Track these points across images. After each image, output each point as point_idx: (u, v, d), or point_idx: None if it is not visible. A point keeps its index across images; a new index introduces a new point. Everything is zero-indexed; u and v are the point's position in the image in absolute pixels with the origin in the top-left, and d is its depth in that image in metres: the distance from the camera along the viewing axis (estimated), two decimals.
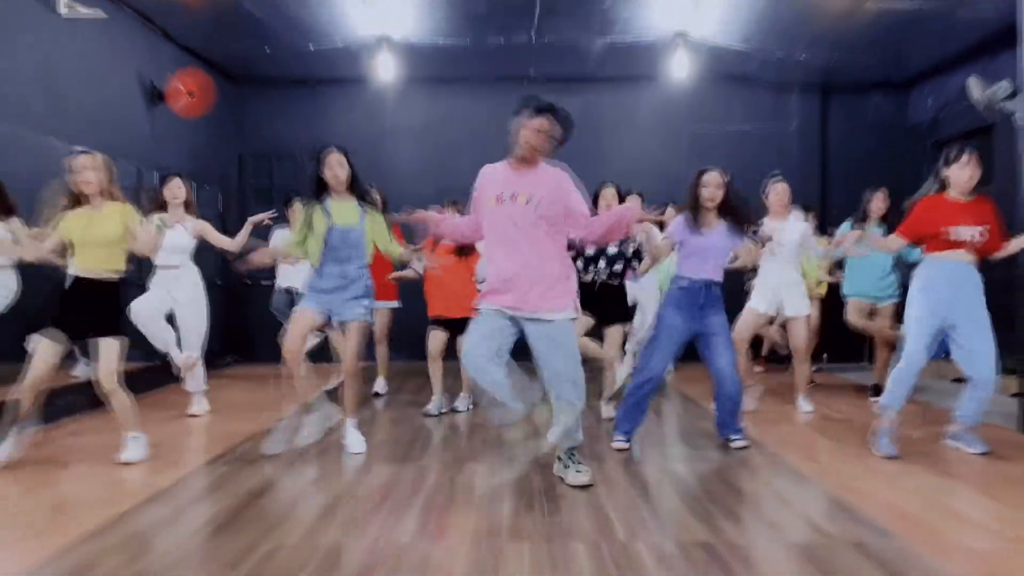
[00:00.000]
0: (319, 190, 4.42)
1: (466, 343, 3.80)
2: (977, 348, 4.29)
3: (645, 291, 6.50)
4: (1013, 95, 6.55)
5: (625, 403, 4.55)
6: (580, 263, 5.21)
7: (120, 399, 4.19)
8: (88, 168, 4.13)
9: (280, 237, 7.27)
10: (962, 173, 4.30)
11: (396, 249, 4.59)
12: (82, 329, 4.14)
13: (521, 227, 3.66)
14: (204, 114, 7.43)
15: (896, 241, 4.52)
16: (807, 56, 7.77)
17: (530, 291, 3.65)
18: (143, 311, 5.39)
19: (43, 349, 4.06)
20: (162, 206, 5.46)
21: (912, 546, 2.90)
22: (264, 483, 3.83)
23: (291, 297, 7.21)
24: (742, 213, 4.49)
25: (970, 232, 4.27)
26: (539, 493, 3.61)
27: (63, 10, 5.65)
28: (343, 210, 4.38)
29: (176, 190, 5.48)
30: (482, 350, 3.67)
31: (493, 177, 3.78)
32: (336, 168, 4.36)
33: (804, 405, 5.69)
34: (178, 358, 5.52)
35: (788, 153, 8.97)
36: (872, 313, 6.17)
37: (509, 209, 3.67)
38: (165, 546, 2.95)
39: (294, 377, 4.38)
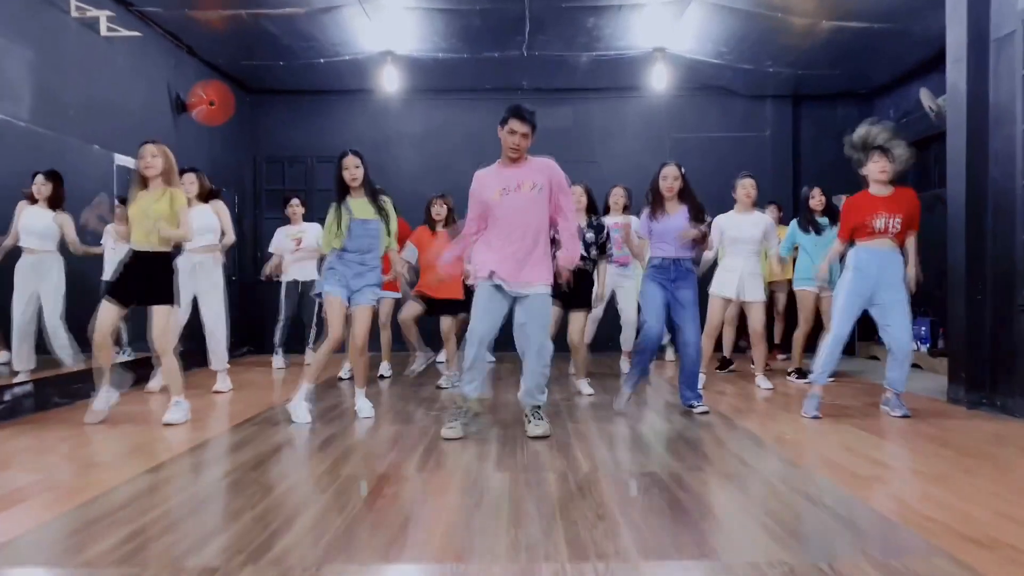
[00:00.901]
0: (341, 190, 5.09)
1: (473, 317, 4.44)
2: (895, 323, 4.97)
3: (630, 280, 7.17)
4: None
5: (633, 362, 5.36)
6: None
7: (170, 363, 4.92)
8: (152, 155, 4.85)
9: (282, 235, 7.98)
10: (874, 167, 5.05)
11: (394, 247, 5.27)
12: (137, 297, 4.87)
13: (527, 211, 4.39)
14: (224, 122, 8.13)
15: (839, 245, 5.27)
16: (775, 68, 8.46)
17: (525, 266, 4.38)
18: None
19: (104, 310, 4.81)
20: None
21: (821, 476, 3.59)
22: (288, 439, 4.53)
23: (299, 288, 7.90)
24: (696, 200, 5.23)
25: (886, 221, 4.98)
26: (521, 441, 4.31)
27: (104, 31, 6.34)
28: (361, 205, 5.08)
29: (189, 184, 6.17)
30: (486, 325, 4.39)
31: (490, 177, 4.46)
32: (352, 169, 5.05)
33: (763, 383, 6.38)
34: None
35: (762, 157, 9.67)
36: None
37: (514, 198, 4.38)
38: (201, 484, 3.65)
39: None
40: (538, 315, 4.43)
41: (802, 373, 6.76)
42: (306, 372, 5.12)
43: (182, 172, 6.23)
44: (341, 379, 7.00)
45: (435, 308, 6.46)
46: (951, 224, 5.70)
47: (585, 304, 6.03)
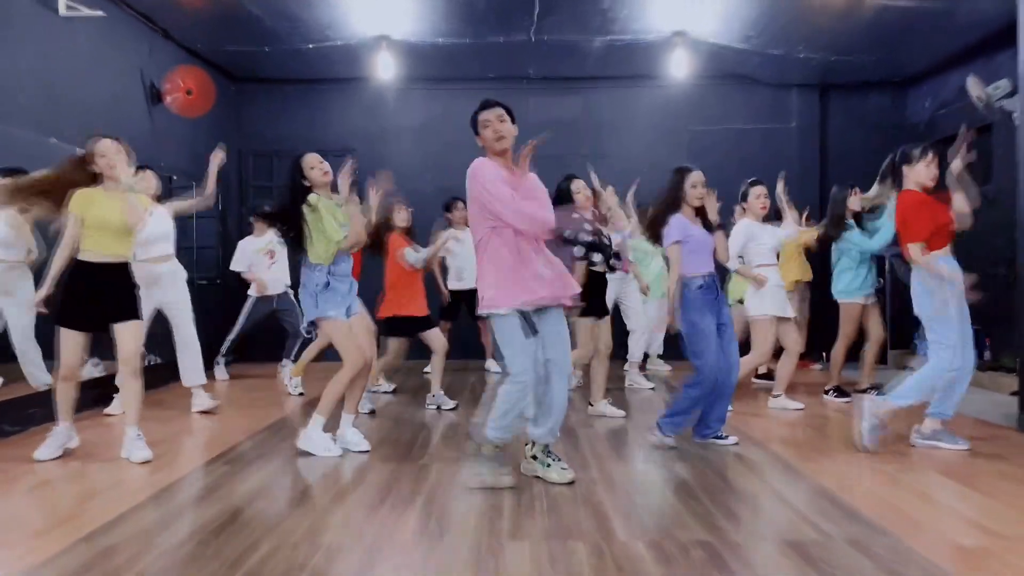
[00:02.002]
0: (308, 191, 4.40)
1: (520, 356, 3.62)
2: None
3: (630, 289, 6.53)
4: (1012, 94, 6.57)
5: (684, 405, 4.50)
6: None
7: (138, 387, 4.29)
8: (117, 152, 4.19)
9: (251, 249, 7.28)
10: (929, 171, 4.36)
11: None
12: (102, 317, 4.22)
13: None
14: (204, 113, 7.43)
15: (920, 253, 4.39)
16: (806, 54, 7.77)
17: (556, 280, 3.69)
18: None
19: (67, 340, 4.17)
20: None
21: (913, 547, 2.91)
22: (260, 486, 3.84)
23: (274, 302, 7.26)
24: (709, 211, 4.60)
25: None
26: (538, 491, 3.63)
27: (62, 10, 5.64)
28: (336, 209, 4.41)
29: (146, 183, 5.60)
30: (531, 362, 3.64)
31: (499, 173, 3.67)
32: (325, 165, 4.43)
33: (792, 404, 5.71)
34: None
35: (787, 152, 8.98)
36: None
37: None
38: (166, 545, 2.96)
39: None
40: (564, 333, 3.78)
41: (842, 391, 6.10)
42: (350, 402, 4.50)
43: (137, 169, 5.59)
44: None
45: (407, 329, 5.83)
46: (1021, 226, 5.02)
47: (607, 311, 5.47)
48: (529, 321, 3.58)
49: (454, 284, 7.56)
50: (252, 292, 7.30)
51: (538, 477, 3.82)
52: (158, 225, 5.49)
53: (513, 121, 3.72)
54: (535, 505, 3.42)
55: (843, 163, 8.86)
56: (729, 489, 3.71)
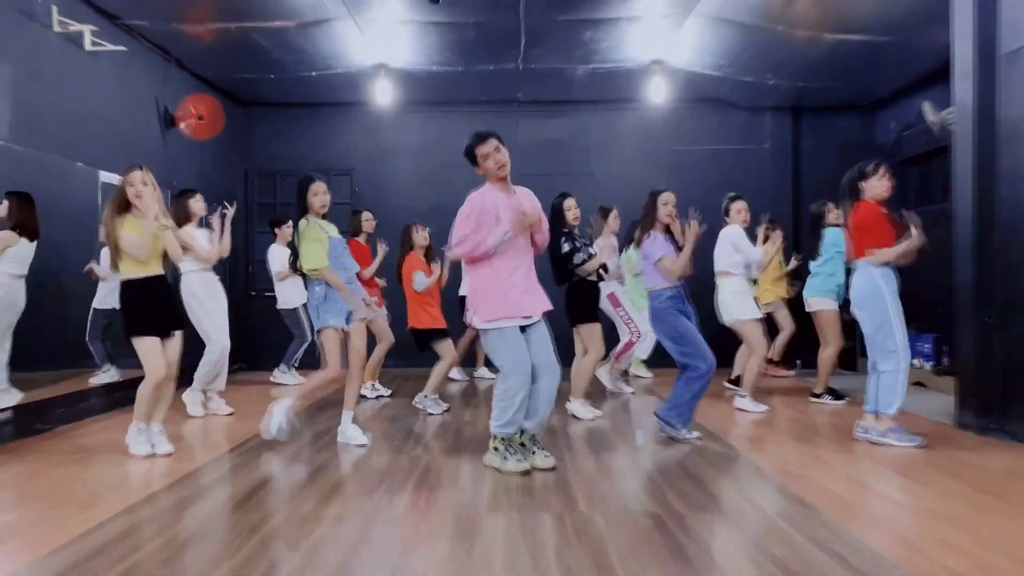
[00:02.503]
0: (306, 212, 4.95)
1: (516, 361, 4.18)
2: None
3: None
4: None
5: (687, 396, 4.99)
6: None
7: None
8: (143, 182, 4.64)
9: (279, 252, 7.85)
10: (883, 184, 4.88)
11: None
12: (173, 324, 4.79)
13: (526, 241, 4.30)
14: (213, 137, 7.96)
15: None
16: (775, 81, 8.31)
17: (536, 292, 4.26)
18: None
19: (158, 352, 4.66)
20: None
21: (829, 517, 3.42)
22: (273, 471, 4.35)
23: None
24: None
25: None
26: (518, 476, 4.13)
27: (88, 45, 6.18)
28: (327, 224, 4.98)
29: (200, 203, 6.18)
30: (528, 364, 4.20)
31: (493, 200, 4.22)
32: (325, 192, 4.96)
33: (756, 407, 6.22)
34: None
35: (762, 170, 9.52)
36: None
37: None
38: (179, 527, 3.47)
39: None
40: (546, 336, 4.32)
41: (837, 394, 6.60)
42: (300, 394, 4.98)
43: (189, 192, 6.21)
44: (364, 397, 6.88)
45: (423, 341, 6.35)
46: (958, 243, 5.54)
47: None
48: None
49: (465, 291, 8.11)
50: (293, 302, 7.89)
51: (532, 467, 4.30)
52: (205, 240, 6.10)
53: (503, 145, 4.26)
54: (512, 487, 3.93)
55: (815, 182, 9.38)
56: (685, 475, 4.21)
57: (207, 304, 6.06)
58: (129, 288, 4.62)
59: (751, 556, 2.92)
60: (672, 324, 4.98)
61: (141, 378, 4.65)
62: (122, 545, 3.07)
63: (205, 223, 6.39)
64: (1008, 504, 3.59)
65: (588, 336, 5.86)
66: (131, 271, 4.61)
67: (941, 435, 5.22)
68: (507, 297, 4.16)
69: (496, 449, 4.29)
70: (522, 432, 4.37)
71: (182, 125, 7.68)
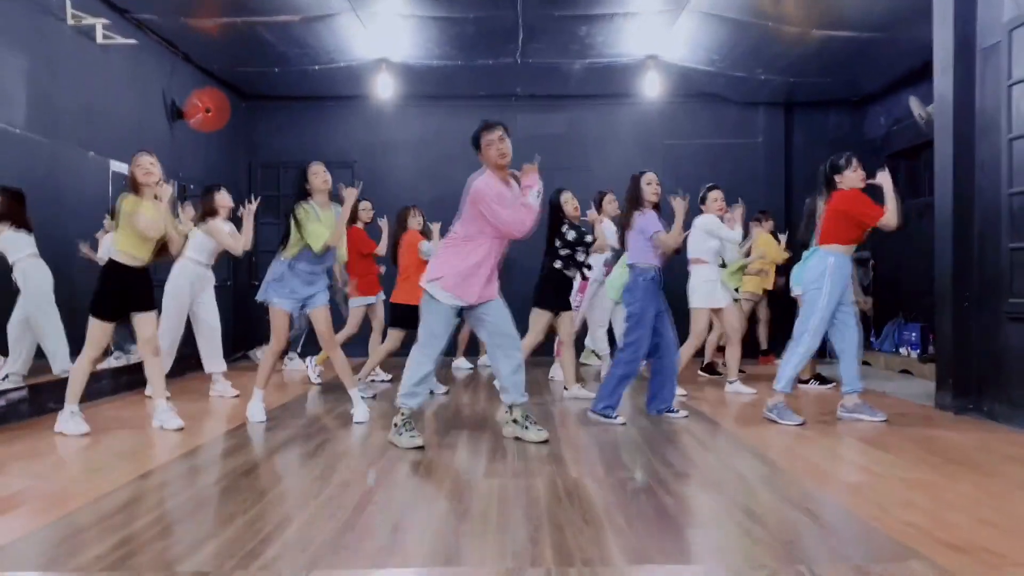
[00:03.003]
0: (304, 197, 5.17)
1: (432, 338, 4.44)
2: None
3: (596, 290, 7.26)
4: None
5: (614, 384, 5.17)
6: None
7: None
8: (151, 163, 4.86)
9: None
10: (857, 175, 5.11)
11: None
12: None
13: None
14: (219, 129, 8.17)
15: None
16: (767, 76, 8.52)
17: (492, 285, 4.50)
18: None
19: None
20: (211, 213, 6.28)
21: (806, 481, 3.64)
22: (280, 444, 4.57)
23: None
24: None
25: None
26: (512, 449, 4.35)
27: (100, 39, 6.39)
28: (327, 217, 5.15)
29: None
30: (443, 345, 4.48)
31: (500, 188, 4.42)
32: (324, 175, 5.17)
33: (744, 389, 6.47)
34: None
35: (755, 165, 9.74)
36: None
37: None
38: (192, 490, 3.69)
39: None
40: (506, 312, 4.54)
41: (823, 379, 6.82)
42: (259, 380, 5.26)
43: (216, 187, 6.40)
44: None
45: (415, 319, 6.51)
46: (938, 232, 5.75)
47: (569, 306, 6.21)
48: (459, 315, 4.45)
49: None
50: None
51: (518, 438, 4.53)
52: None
53: (509, 136, 4.46)
54: (507, 456, 4.15)
55: (806, 175, 9.57)
56: (671, 446, 4.43)
57: (183, 301, 6.21)
58: (113, 270, 4.85)
59: (730, 513, 3.14)
60: (642, 303, 5.15)
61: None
62: (139, 505, 3.29)
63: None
64: (975, 473, 3.81)
65: (535, 320, 6.10)
66: (126, 252, 4.84)
67: (920, 415, 5.45)
68: (466, 281, 4.36)
69: (395, 425, 4.45)
70: (511, 408, 4.58)
71: (191, 120, 7.88)
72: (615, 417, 5.11)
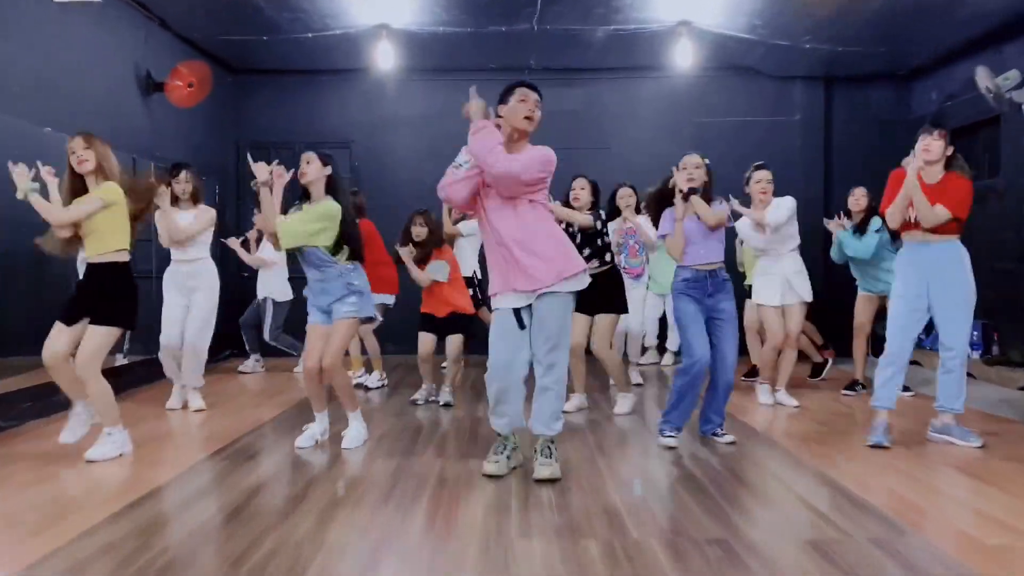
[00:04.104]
0: (304, 192, 4.33)
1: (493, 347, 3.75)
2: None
3: (638, 289, 6.40)
4: (1022, 85, 6.49)
5: (673, 398, 4.38)
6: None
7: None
8: (83, 147, 4.04)
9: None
10: (919, 146, 4.30)
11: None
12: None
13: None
14: (198, 103, 7.30)
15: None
16: (812, 45, 7.67)
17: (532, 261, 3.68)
18: None
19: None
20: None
21: (937, 547, 2.83)
22: (264, 479, 3.75)
23: (259, 310, 7.37)
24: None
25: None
26: (548, 489, 3.53)
27: None
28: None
29: (185, 184, 5.49)
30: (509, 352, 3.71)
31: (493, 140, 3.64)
32: (303, 165, 4.26)
33: (787, 400, 5.61)
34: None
35: (791, 145, 8.89)
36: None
37: None
38: (167, 542, 2.87)
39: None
40: (553, 319, 3.65)
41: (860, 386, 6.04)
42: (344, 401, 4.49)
43: (177, 168, 5.52)
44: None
45: (437, 327, 5.71)
46: None
47: (615, 308, 5.25)
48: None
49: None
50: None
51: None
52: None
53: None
54: (544, 502, 3.33)
55: (847, 157, 8.77)
56: (741, 486, 3.62)
57: (170, 299, 5.50)
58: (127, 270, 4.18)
59: None
60: (675, 306, 4.42)
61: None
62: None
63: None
64: None
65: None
66: (125, 249, 4.15)
67: (1015, 433, 4.65)
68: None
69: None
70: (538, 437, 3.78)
71: (174, 95, 7.02)
72: (672, 436, 4.36)
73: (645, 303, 6.66)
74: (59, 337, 4.01)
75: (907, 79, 8.85)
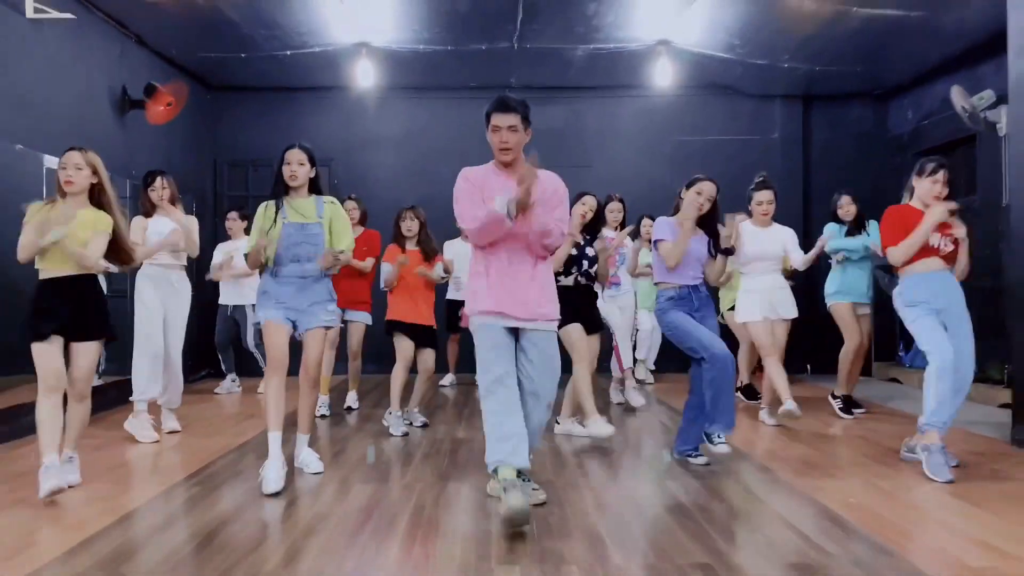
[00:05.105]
0: (280, 189, 4.19)
1: (481, 366, 3.52)
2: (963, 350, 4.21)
3: (621, 306, 6.36)
4: (996, 104, 6.55)
5: (711, 392, 4.23)
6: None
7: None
8: (76, 165, 3.89)
9: (220, 252, 7.18)
10: (932, 188, 4.26)
11: (349, 247, 4.32)
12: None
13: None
14: (171, 119, 7.20)
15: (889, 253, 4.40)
16: (790, 64, 7.72)
17: (530, 293, 3.54)
18: None
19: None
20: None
21: (928, 570, 2.78)
22: (230, 509, 3.65)
23: (235, 321, 7.25)
24: (716, 226, 4.41)
25: (938, 240, 4.24)
26: (530, 515, 3.46)
27: (30, 12, 5.44)
28: (301, 207, 4.17)
29: (162, 190, 5.33)
30: (502, 367, 3.48)
31: (487, 179, 3.55)
32: (295, 165, 4.16)
33: (776, 415, 5.54)
34: None
35: (771, 162, 8.89)
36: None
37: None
38: (134, 574, 2.76)
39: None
40: (547, 359, 3.55)
41: (850, 403, 6.00)
42: (301, 419, 4.25)
43: (152, 175, 5.38)
44: (350, 409, 6.16)
45: (411, 334, 5.55)
46: (1014, 237, 4.97)
47: (596, 327, 5.21)
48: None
49: (453, 294, 7.44)
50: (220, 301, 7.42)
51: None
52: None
53: (528, 122, 3.55)
54: (524, 528, 3.25)
55: (825, 174, 8.82)
56: (725, 508, 3.57)
57: (148, 307, 5.32)
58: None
59: None
60: (666, 321, 4.35)
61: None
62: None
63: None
64: None
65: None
66: None
67: (998, 454, 4.63)
68: (486, 288, 3.55)
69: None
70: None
71: (150, 113, 6.93)
72: (719, 442, 4.28)
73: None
74: (53, 356, 3.77)
75: (884, 98, 8.94)
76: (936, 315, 4.24)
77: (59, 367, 3.76)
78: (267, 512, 3.55)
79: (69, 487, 3.76)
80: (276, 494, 3.77)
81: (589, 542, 3.07)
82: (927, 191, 4.30)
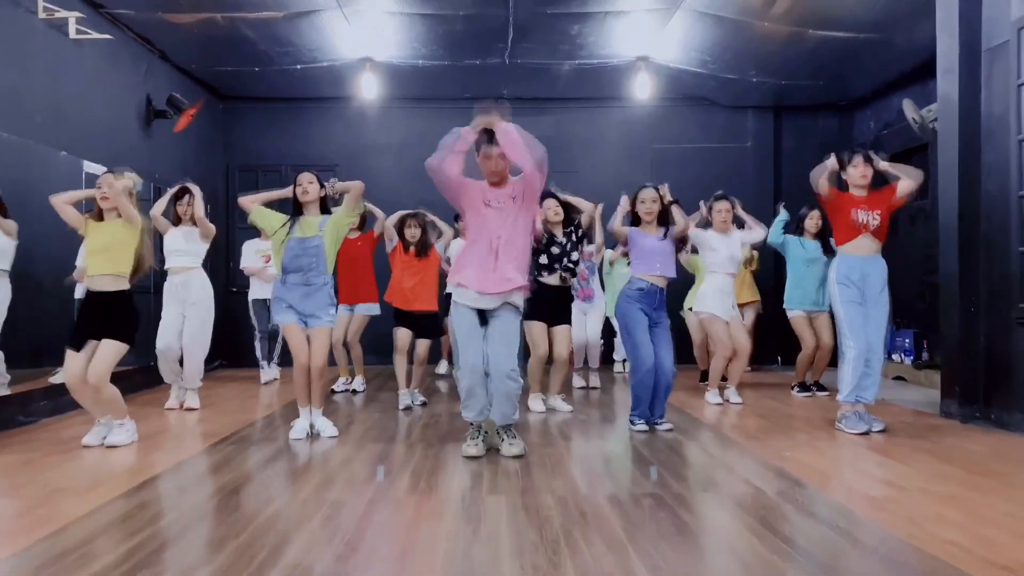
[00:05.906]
0: (295, 210, 4.95)
1: (461, 348, 4.34)
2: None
3: (592, 318, 7.10)
4: None
5: (632, 398, 5.05)
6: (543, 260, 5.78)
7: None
8: (109, 185, 4.61)
9: (251, 249, 7.83)
10: (855, 172, 4.99)
11: (351, 213, 5.06)
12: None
13: (506, 220, 4.26)
14: (182, 129, 7.89)
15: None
16: (759, 78, 8.40)
17: (493, 275, 4.24)
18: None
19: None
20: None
21: (831, 497, 3.46)
22: (265, 460, 4.31)
23: (267, 305, 7.86)
24: (670, 223, 5.13)
25: (866, 216, 4.94)
26: (515, 462, 4.13)
27: (72, 33, 6.09)
28: (307, 224, 4.90)
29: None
30: (472, 351, 4.30)
31: (478, 187, 4.30)
32: (304, 184, 4.90)
33: (713, 398, 6.30)
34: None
35: (744, 169, 9.62)
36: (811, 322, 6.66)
37: (498, 209, 4.25)
38: (178, 511, 3.42)
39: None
40: (507, 335, 4.26)
41: (804, 387, 6.71)
42: (315, 399, 4.94)
43: (183, 191, 6.15)
44: (355, 391, 6.87)
45: (411, 323, 6.21)
46: (943, 236, 5.64)
47: (568, 319, 5.92)
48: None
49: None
50: (249, 296, 7.97)
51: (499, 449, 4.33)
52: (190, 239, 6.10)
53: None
54: (510, 472, 3.92)
55: (795, 180, 9.42)
56: (679, 459, 4.24)
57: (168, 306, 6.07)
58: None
59: (759, 533, 2.94)
60: (623, 312, 5.04)
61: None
62: (123, 527, 3.02)
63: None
64: (1000, 485, 3.65)
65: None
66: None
67: (926, 424, 5.30)
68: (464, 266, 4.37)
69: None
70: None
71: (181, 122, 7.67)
72: (641, 423, 5.00)
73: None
74: (76, 362, 4.54)
75: (849, 109, 9.62)
76: (861, 299, 4.92)
77: (78, 371, 4.53)
78: (300, 458, 4.22)
79: (107, 445, 4.54)
80: (300, 440, 4.70)
81: (563, 480, 3.74)
82: (853, 176, 5.01)
